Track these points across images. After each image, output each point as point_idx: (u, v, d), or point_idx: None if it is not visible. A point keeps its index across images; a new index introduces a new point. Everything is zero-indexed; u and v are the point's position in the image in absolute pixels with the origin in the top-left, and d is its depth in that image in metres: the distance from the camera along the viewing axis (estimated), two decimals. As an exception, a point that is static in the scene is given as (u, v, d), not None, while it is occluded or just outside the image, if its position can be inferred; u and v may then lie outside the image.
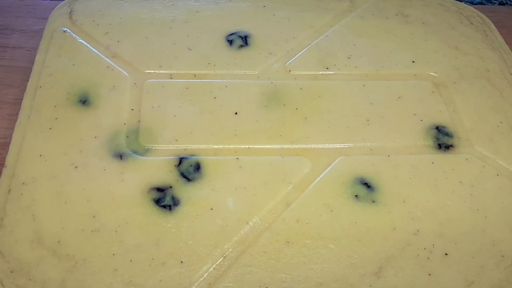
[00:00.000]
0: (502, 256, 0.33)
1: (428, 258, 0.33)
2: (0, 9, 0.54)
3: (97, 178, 0.35)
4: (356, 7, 0.51)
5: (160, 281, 0.31)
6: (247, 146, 0.38)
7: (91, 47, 0.44)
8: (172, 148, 0.38)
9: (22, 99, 0.41)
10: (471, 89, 0.44)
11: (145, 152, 0.37)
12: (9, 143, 0.38)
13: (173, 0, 0.49)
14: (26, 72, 0.44)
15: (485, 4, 0.62)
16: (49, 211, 0.34)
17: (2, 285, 0.30)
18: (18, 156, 0.36)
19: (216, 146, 0.38)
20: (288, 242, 0.33)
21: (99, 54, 0.43)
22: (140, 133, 0.38)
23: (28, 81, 0.42)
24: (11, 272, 0.31)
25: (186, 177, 0.36)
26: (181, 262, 0.32)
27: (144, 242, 0.33)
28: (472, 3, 0.60)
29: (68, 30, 0.45)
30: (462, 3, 0.53)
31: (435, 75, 0.45)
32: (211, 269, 0.32)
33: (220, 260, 0.32)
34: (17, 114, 0.40)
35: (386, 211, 0.35)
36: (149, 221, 0.34)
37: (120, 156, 0.37)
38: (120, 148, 0.37)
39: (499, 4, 0.63)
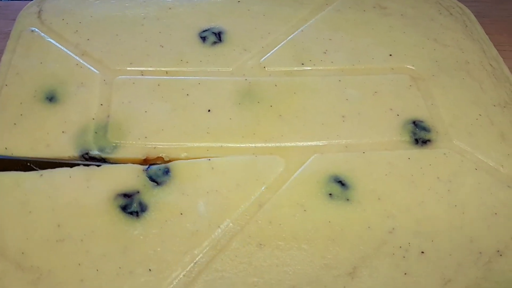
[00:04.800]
0: (480, 252, 0.33)
1: (404, 257, 0.32)
2: (-32, 10, 0.53)
3: (63, 186, 0.34)
4: (333, 0, 0.49)
5: (128, 289, 0.30)
6: (220, 145, 0.37)
7: (60, 46, 0.43)
8: (141, 145, 0.37)
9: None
10: (450, 81, 0.43)
11: (113, 149, 0.36)
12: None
13: (145, -4, 0.48)
14: (-6, 75, 0.43)
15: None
16: (12, 221, 0.33)
17: (-36, 299, 0.29)
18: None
19: (188, 144, 0.37)
20: (260, 244, 0.32)
21: (68, 52, 0.42)
22: (109, 129, 0.37)
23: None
24: (-27, 284, 0.30)
25: (155, 180, 0.35)
26: (150, 270, 0.31)
27: (110, 251, 0.32)
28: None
29: (36, 29, 0.44)
30: (442, -7, 0.52)
31: (413, 68, 0.44)
32: (181, 275, 0.31)
33: (190, 266, 0.31)
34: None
35: (361, 209, 0.34)
36: (116, 229, 0.32)
37: (87, 153, 0.36)
38: (87, 144, 0.36)
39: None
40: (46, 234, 0.32)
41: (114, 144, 0.37)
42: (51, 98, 0.39)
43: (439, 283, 0.31)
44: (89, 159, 0.36)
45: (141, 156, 0.36)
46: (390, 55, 0.44)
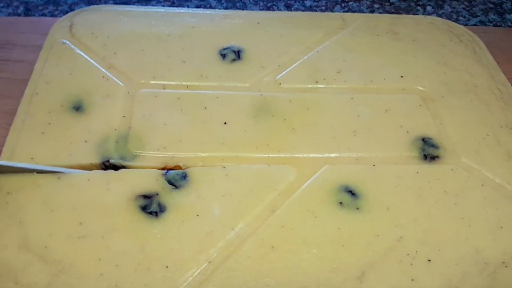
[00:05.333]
0: (485, 263, 0.34)
1: (411, 264, 0.33)
2: (3, 25, 0.56)
3: (83, 187, 0.36)
4: (348, 24, 0.52)
5: (146, 285, 0.31)
6: (234, 155, 0.39)
7: (88, 58, 0.45)
8: (159, 155, 0.38)
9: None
10: (459, 103, 0.44)
11: (132, 158, 0.38)
12: (8, 151, 0.39)
13: (169, 16, 0.51)
14: (25, 84, 0.45)
15: (478, 26, 0.64)
16: (36, 218, 0.34)
17: (-11, 287, 0.31)
18: (10, 160, 0.37)
19: (204, 154, 0.39)
20: (272, 247, 0.34)
21: (96, 64, 0.45)
22: (130, 139, 0.39)
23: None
24: (-1, 274, 0.32)
25: (173, 184, 0.37)
26: (166, 267, 0.32)
27: (130, 247, 0.33)
28: (466, 25, 0.61)
29: (67, 41, 0.47)
30: (453, 22, 0.54)
31: (423, 89, 0.45)
32: (196, 273, 0.32)
33: (205, 264, 0.33)
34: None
35: (370, 218, 0.35)
36: (136, 228, 0.34)
37: (108, 161, 0.38)
38: (109, 153, 0.38)
39: (493, 25, 0.64)
40: (68, 230, 0.34)
41: (134, 154, 0.39)
42: (77, 108, 0.41)
43: (445, 290, 0.32)
44: (109, 167, 0.38)
45: (159, 165, 0.38)
46: (401, 76, 0.46)
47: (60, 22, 0.50)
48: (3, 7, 0.63)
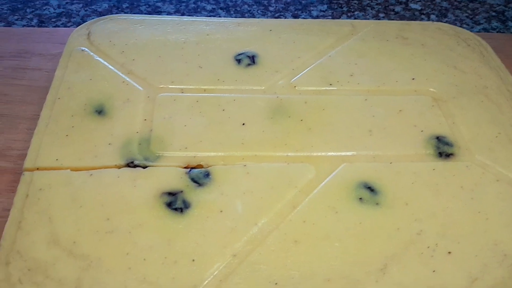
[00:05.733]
0: (505, 255, 0.34)
1: (432, 256, 0.34)
2: (21, 35, 0.58)
3: (111, 185, 0.37)
4: (358, 31, 0.53)
5: (173, 278, 0.32)
6: (254, 154, 0.40)
7: (107, 64, 0.47)
8: (182, 155, 0.39)
9: (39, 115, 0.43)
10: (470, 103, 0.46)
11: (156, 158, 0.39)
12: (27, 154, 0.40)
13: (184, 24, 0.52)
14: (45, 91, 0.47)
15: (483, 32, 0.65)
16: (64, 214, 0.35)
17: (20, 282, 0.32)
18: (35, 162, 0.38)
19: (224, 154, 0.40)
20: (295, 241, 0.34)
21: (115, 70, 0.46)
22: (152, 141, 0.40)
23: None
24: (29, 270, 0.32)
25: (196, 182, 0.37)
26: (193, 260, 0.33)
27: (156, 242, 0.34)
28: (471, 31, 0.63)
29: (86, 49, 0.48)
30: (460, 27, 0.56)
31: (435, 91, 0.47)
32: (222, 266, 0.33)
33: (230, 258, 0.33)
34: (35, 128, 0.42)
35: (390, 213, 0.36)
36: (162, 223, 0.35)
37: (133, 162, 0.38)
38: (132, 154, 0.39)
39: (497, 32, 0.66)
40: (96, 226, 0.34)
41: (157, 154, 0.39)
42: (100, 112, 0.42)
43: (466, 281, 0.33)
44: (134, 168, 0.39)
45: (182, 164, 0.39)
46: (413, 79, 0.48)
47: (78, 31, 0.51)
48: (17, 19, 0.64)
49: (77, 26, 0.54)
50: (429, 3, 0.73)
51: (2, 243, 0.33)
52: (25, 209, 0.35)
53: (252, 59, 0.48)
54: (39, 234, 0.34)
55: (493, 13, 0.72)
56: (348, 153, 0.40)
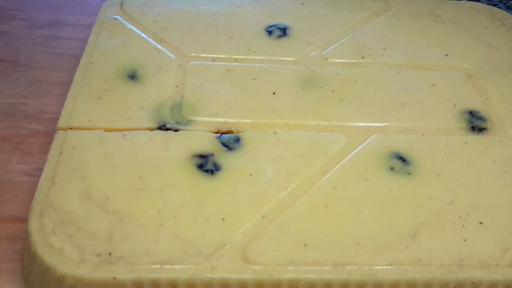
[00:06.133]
0: (538, 228, 0.34)
1: (463, 226, 0.34)
2: (53, 6, 0.59)
3: (144, 145, 0.37)
4: (390, 8, 0.53)
5: (203, 235, 0.32)
6: (285, 122, 0.40)
7: (140, 32, 0.47)
8: (212, 121, 0.40)
9: (72, 81, 0.44)
10: (504, 80, 0.45)
11: (187, 123, 0.39)
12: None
13: (216, -4, 0.52)
14: (76, 59, 0.47)
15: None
16: (98, 172, 0.36)
17: (54, 234, 0.32)
18: (69, 122, 0.39)
19: (254, 121, 0.40)
20: (325, 206, 0.34)
21: (147, 38, 0.46)
22: (184, 106, 0.40)
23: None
24: (62, 222, 0.33)
25: (227, 146, 0.38)
26: (223, 219, 0.33)
27: (188, 201, 0.34)
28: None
29: (119, 17, 0.49)
30: (495, 7, 0.55)
31: (468, 67, 0.46)
32: (251, 227, 0.33)
33: (259, 219, 0.33)
34: (67, 94, 0.43)
35: (421, 183, 0.36)
36: (193, 184, 0.35)
37: (164, 125, 0.39)
38: (165, 118, 0.39)
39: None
40: (128, 183, 0.35)
41: (188, 119, 0.40)
42: (132, 77, 0.43)
43: (498, 251, 0.33)
44: (165, 131, 0.39)
45: (213, 129, 0.39)
46: (446, 55, 0.47)
47: (111, 0, 0.51)
48: (48, -8, 0.65)
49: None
50: (462, -14, 0.72)
51: (36, 197, 0.34)
52: (59, 165, 0.36)
53: (284, 31, 0.48)
54: (72, 189, 0.34)
55: (528, -2, 0.70)
56: (380, 124, 0.40)
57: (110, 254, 0.31)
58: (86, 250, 0.31)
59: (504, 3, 0.69)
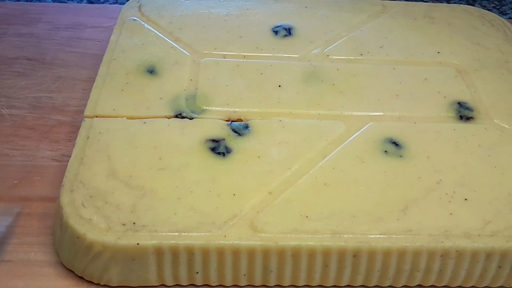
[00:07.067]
0: (517, 204, 0.38)
1: (450, 202, 0.37)
2: (75, 10, 0.63)
3: (162, 131, 0.41)
4: (388, 10, 0.57)
5: (216, 208, 0.36)
6: (289, 111, 0.44)
7: (157, 32, 0.51)
8: (224, 110, 0.44)
9: (94, 78, 0.48)
10: (491, 75, 0.49)
11: (201, 112, 0.43)
12: (83, 110, 0.45)
13: (226, 0, 0.57)
14: (98, 57, 0.52)
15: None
16: (122, 153, 0.40)
17: (83, 206, 0.36)
18: (94, 110, 0.43)
19: (262, 110, 0.44)
20: (325, 184, 0.38)
21: (164, 37, 0.51)
22: (197, 97, 0.45)
23: (99, 65, 0.49)
24: (90, 196, 0.37)
25: (237, 132, 0.42)
26: (234, 194, 0.37)
27: (202, 179, 0.38)
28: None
29: (137, 19, 0.53)
30: (485, 10, 0.59)
31: (458, 63, 0.50)
32: (259, 201, 0.37)
33: (266, 195, 0.37)
34: (90, 89, 0.47)
35: (412, 164, 0.40)
36: (207, 164, 0.39)
37: (181, 114, 0.43)
38: (181, 107, 0.44)
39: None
40: (149, 163, 0.39)
41: (202, 108, 0.44)
42: (151, 71, 0.47)
43: (481, 223, 0.36)
44: (181, 119, 0.43)
45: (224, 117, 0.43)
46: (438, 52, 0.51)
47: (130, 3, 0.56)
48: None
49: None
50: (457, -8, 0.76)
51: (67, 175, 0.38)
52: (87, 148, 0.40)
53: (288, 31, 0.52)
54: (99, 168, 0.39)
55: (520, 4, 0.74)
56: (376, 113, 0.44)
57: (134, 223, 0.35)
58: (112, 220, 0.35)
59: (498, 9, 0.73)
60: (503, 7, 0.74)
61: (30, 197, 0.42)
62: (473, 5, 0.73)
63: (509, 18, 0.70)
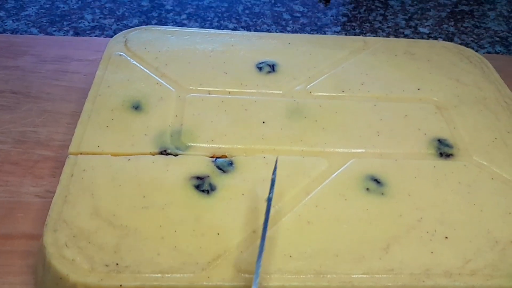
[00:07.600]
0: (496, 241, 0.38)
1: (431, 240, 0.38)
2: (61, 43, 0.64)
3: (147, 168, 0.42)
4: (369, 46, 0.58)
5: (200, 247, 0.36)
6: (273, 147, 0.44)
7: (143, 68, 0.52)
8: (208, 146, 0.44)
9: (79, 112, 0.48)
10: (470, 111, 0.50)
11: (186, 148, 0.44)
12: (68, 145, 0.45)
13: (212, 35, 0.58)
14: (83, 91, 0.52)
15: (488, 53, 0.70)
16: (105, 191, 0.40)
17: (66, 246, 0.36)
18: (79, 147, 0.43)
19: (246, 146, 0.44)
20: (308, 222, 0.39)
21: (150, 73, 0.51)
22: (183, 133, 0.45)
23: (84, 99, 0.50)
24: (74, 236, 0.37)
25: (221, 169, 0.42)
26: (218, 234, 0.37)
27: (186, 217, 0.38)
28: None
29: (123, 54, 0.54)
30: (463, 46, 0.61)
31: (438, 100, 0.51)
32: (243, 240, 0.37)
33: (250, 233, 0.38)
34: (75, 123, 0.47)
35: (394, 202, 0.40)
36: (191, 202, 0.39)
37: (165, 150, 0.43)
38: (165, 144, 0.44)
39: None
40: (133, 202, 0.39)
41: (187, 145, 0.44)
42: (136, 107, 0.48)
43: (461, 261, 0.37)
44: (166, 155, 0.44)
45: (209, 154, 0.44)
46: (418, 89, 0.52)
47: (116, 38, 0.56)
48: (55, 30, 0.71)
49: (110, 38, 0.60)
50: (436, 27, 0.78)
51: (50, 214, 0.38)
52: (71, 186, 0.40)
53: (272, 67, 0.53)
54: (83, 206, 0.39)
55: (497, 39, 0.77)
56: (358, 150, 0.45)
57: (117, 264, 0.35)
58: (95, 261, 0.35)
59: (476, 42, 0.76)
60: (481, 41, 0.76)
61: (12, 234, 0.41)
62: (452, 39, 0.75)
63: (487, 52, 0.73)
